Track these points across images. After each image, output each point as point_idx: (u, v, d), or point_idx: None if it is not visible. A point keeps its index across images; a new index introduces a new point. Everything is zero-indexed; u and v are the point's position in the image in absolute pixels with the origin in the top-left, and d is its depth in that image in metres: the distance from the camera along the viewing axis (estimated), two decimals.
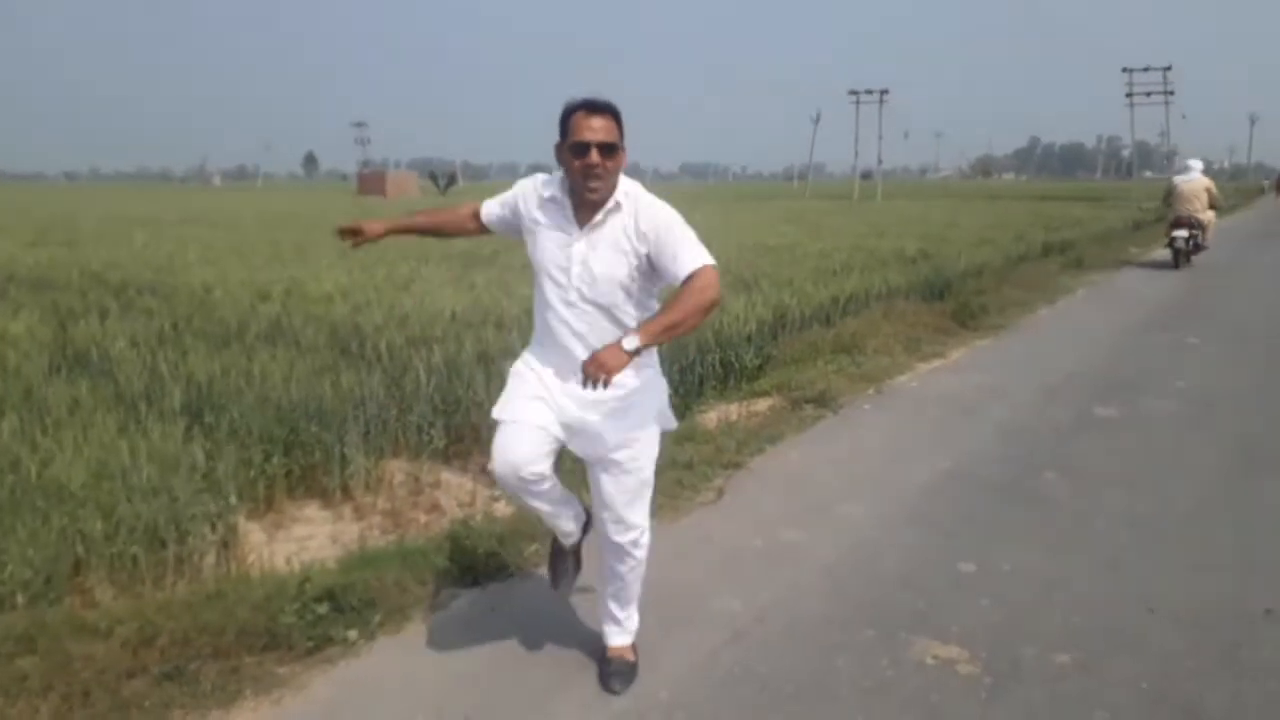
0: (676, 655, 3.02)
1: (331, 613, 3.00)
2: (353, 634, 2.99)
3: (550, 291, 2.68)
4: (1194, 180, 14.91)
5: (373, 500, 4.66)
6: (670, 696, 2.80)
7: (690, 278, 2.51)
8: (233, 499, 4.07)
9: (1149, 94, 42.92)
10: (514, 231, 2.85)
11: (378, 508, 4.60)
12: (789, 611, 3.33)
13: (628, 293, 2.64)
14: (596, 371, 2.38)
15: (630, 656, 2.94)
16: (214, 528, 3.86)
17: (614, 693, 2.82)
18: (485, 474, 5.03)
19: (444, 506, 4.67)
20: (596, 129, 2.53)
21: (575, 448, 2.72)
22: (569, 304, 2.65)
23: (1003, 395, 6.58)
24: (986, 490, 4.64)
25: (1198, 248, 14.92)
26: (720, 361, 6.79)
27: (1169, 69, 42.37)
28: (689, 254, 2.54)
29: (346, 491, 4.66)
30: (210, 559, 3.79)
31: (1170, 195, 15.12)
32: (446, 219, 3.06)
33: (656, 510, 4.05)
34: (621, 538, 2.76)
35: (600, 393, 2.47)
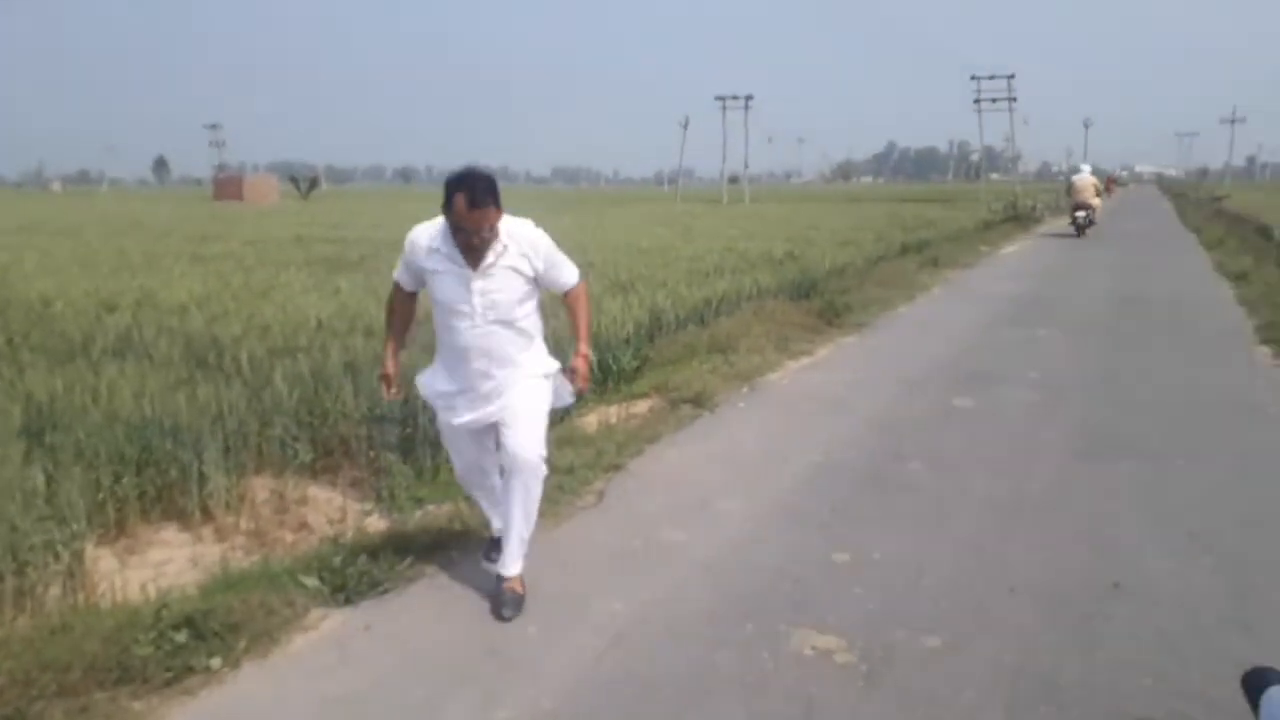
0: (559, 661, 2.98)
1: (191, 640, 2.81)
2: (215, 661, 2.80)
3: (456, 322, 3.24)
4: (1085, 177, 22.26)
5: (235, 520, 4.43)
6: (554, 705, 2.76)
7: (573, 289, 3.48)
8: (79, 524, 3.79)
9: (995, 100, 45.27)
10: (415, 274, 3.36)
11: (240, 528, 4.38)
12: (670, 610, 3.34)
13: (522, 305, 3.29)
14: (584, 382, 3.47)
15: (520, 589, 3.39)
16: (57, 557, 3.58)
17: (505, 619, 3.25)
18: (355, 488, 4.86)
19: (312, 524, 4.48)
20: (477, 221, 3.04)
21: (494, 416, 3.35)
22: (475, 328, 3.23)
23: (868, 390, 6.82)
24: (856, 481, 4.79)
25: (1090, 223, 21.96)
26: (598, 365, 6.78)
27: (1013, 76, 44.88)
28: (568, 272, 3.44)
29: (206, 512, 4.43)
30: (55, 590, 3.52)
31: (1070, 188, 22.65)
32: (403, 312, 3.59)
33: (537, 516, 4.04)
34: (532, 469, 3.30)
35: (506, 374, 3.31)
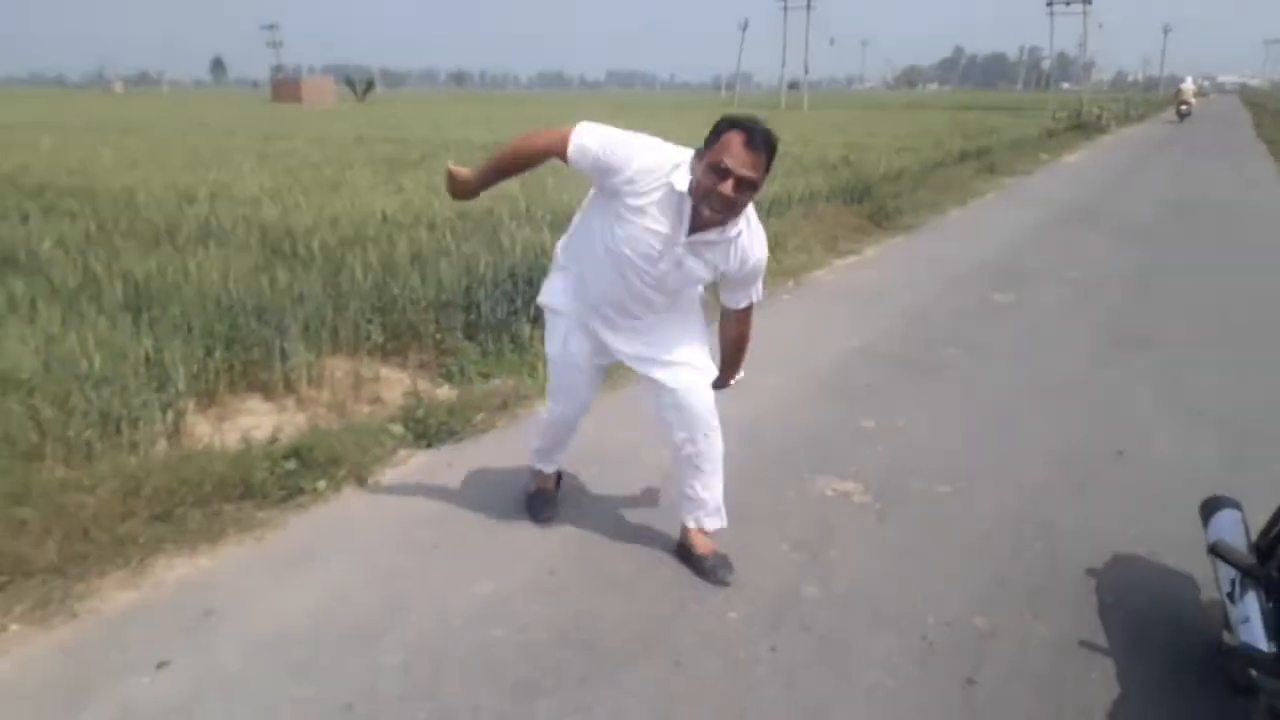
0: (613, 492, 3.41)
1: (300, 468, 3.30)
2: (322, 484, 3.30)
3: (625, 267, 2.59)
4: (1188, 84, 37.99)
5: (316, 393, 4.82)
6: (611, 522, 3.22)
7: (745, 310, 2.81)
8: (181, 388, 4.21)
9: (1069, 2, 43.34)
10: (600, 175, 2.55)
11: (321, 400, 4.77)
12: None
13: (696, 287, 2.82)
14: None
15: (718, 548, 2.94)
16: (164, 415, 3.99)
17: (724, 584, 2.82)
18: (423, 369, 5.25)
19: (386, 399, 4.86)
20: (746, 164, 2.37)
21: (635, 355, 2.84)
22: (644, 283, 2.63)
23: (911, 286, 7.05)
24: (890, 364, 5.10)
25: (1189, 114, 35.02)
26: None
27: None
28: (752, 295, 2.77)
29: (289, 385, 4.81)
30: (162, 445, 3.96)
31: (1178, 92, 37.66)
32: (526, 150, 2.67)
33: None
34: (708, 442, 2.88)
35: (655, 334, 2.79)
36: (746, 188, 2.40)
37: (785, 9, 51.24)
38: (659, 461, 3.67)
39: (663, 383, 2.78)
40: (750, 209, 2.55)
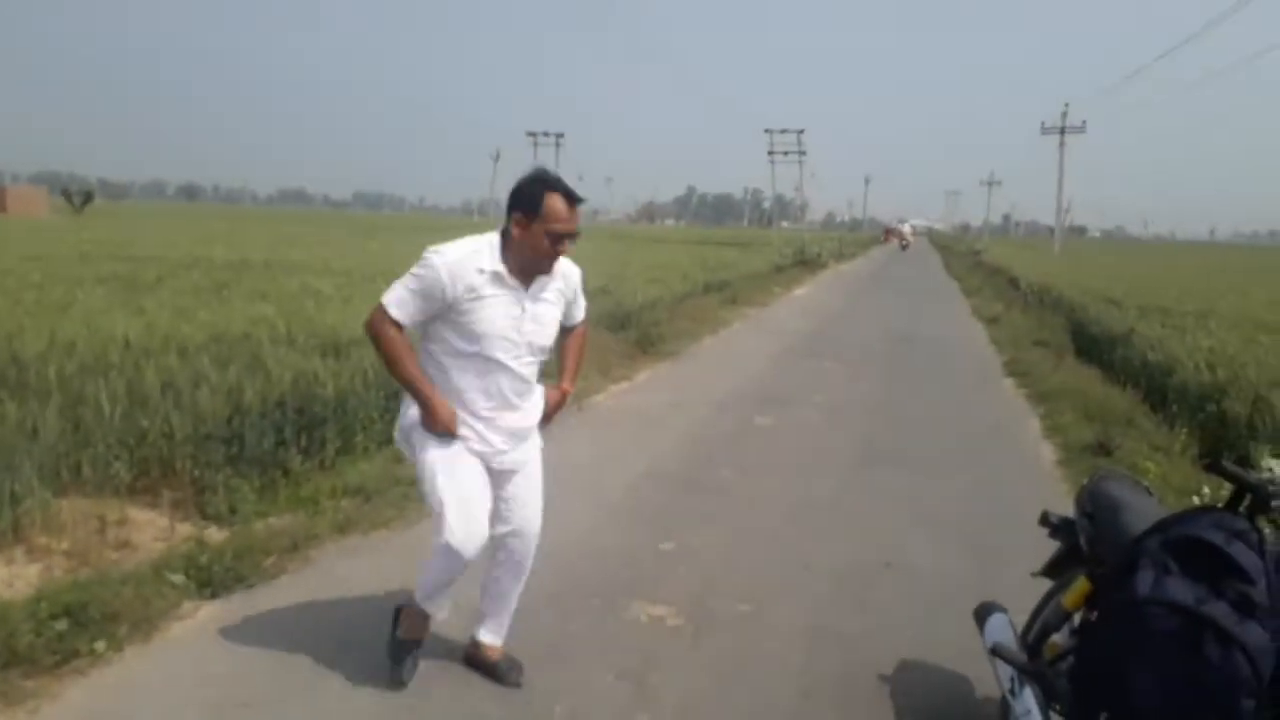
0: (427, 644, 3.28)
1: (73, 627, 2.93)
2: (100, 645, 2.94)
3: (500, 352, 2.81)
4: (906, 226, 61.72)
5: (51, 541, 4.34)
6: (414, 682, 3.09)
7: (580, 325, 3.18)
8: None
9: (786, 153, 48.49)
10: (434, 316, 2.82)
11: (59, 548, 4.30)
12: (525, 593, 3.69)
13: (551, 340, 2.99)
14: (554, 413, 3.14)
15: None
16: None
17: (518, 686, 3.05)
18: (177, 508, 4.84)
19: (136, 543, 4.46)
20: (574, 222, 2.77)
21: (501, 465, 2.96)
22: (518, 358, 2.87)
23: (682, 409, 7.46)
24: (675, 486, 5.38)
25: (906, 246, 52.86)
26: None
27: (802, 132, 48.26)
28: (583, 308, 3.14)
29: (17, 533, 4.33)
30: None
31: (892, 231, 65.59)
32: (387, 355, 2.86)
33: (388, 522, 4.24)
34: (534, 537, 3.11)
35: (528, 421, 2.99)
36: (572, 239, 2.79)
37: (536, 144, 53.66)
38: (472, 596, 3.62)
39: (516, 468, 2.99)
40: None
